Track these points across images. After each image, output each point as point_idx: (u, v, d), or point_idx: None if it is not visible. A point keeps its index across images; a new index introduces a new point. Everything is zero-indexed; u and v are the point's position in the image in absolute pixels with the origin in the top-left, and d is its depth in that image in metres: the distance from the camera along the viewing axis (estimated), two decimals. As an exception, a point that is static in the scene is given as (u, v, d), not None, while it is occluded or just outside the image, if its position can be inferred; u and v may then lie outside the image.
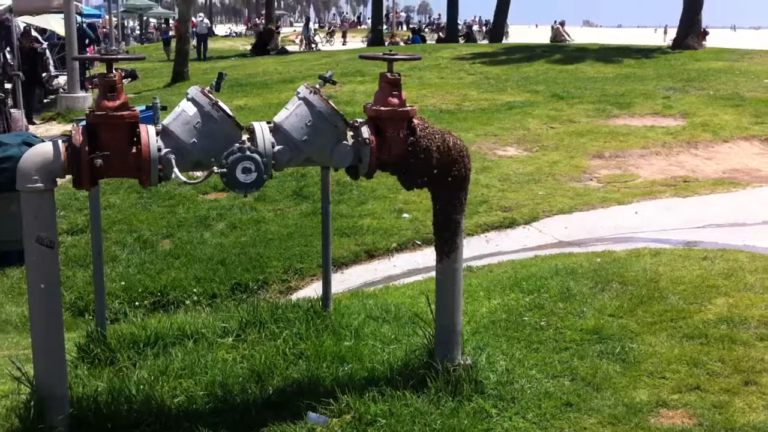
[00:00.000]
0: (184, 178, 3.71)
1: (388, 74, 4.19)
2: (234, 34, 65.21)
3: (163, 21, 53.47)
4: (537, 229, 8.21)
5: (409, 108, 4.17)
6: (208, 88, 3.95)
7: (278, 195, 9.98)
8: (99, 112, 3.67)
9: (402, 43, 35.39)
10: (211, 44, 36.56)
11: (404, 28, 59.31)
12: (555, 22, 35.34)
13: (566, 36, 32.96)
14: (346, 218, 8.99)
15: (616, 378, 4.61)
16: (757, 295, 5.60)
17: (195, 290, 7.53)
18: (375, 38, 34.23)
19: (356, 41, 45.09)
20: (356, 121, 4.17)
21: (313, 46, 37.98)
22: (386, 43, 34.26)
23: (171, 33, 39.47)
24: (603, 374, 4.64)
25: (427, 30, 43.63)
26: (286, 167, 4.12)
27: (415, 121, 4.23)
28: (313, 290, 7.46)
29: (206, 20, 39.92)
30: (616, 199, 8.82)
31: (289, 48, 37.28)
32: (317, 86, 4.11)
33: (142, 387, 4.25)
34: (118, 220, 9.26)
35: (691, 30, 21.20)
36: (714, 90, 14.40)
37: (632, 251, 6.86)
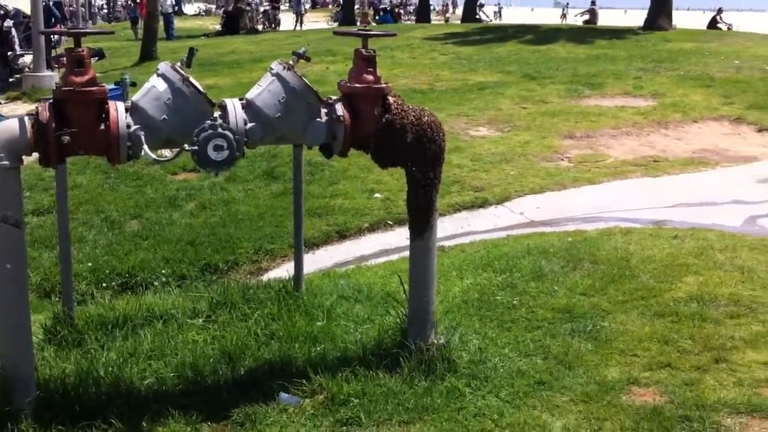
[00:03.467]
0: (153, 156, 3.63)
1: (363, 51, 4.14)
2: (203, 13, 64.46)
3: (130, -1, 52.67)
4: (509, 209, 8.22)
5: (384, 85, 4.13)
6: (178, 63, 3.87)
7: (249, 175, 9.88)
8: (66, 88, 3.58)
9: (374, 24, 35.18)
10: (180, 23, 36.14)
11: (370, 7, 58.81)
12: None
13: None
14: (318, 198, 8.93)
15: (587, 356, 4.62)
16: (727, 273, 5.64)
17: (164, 271, 7.43)
18: (346, 18, 33.99)
19: (319, 22, 44.31)
20: (330, 98, 4.11)
21: (274, 26, 37.27)
22: (358, 23, 34.02)
23: (142, 12, 38.97)
24: (575, 352, 4.65)
25: (400, 11, 43.39)
26: (259, 145, 4.06)
27: (390, 98, 4.18)
28: (284, 271, 7.39)
29: (171, -1, 39.33)
30: (588, 178, 8.85)
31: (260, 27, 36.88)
32: (291, 62, 4.04)
33: (110, 369, 4.18)
34: (84, 200, 9.11)
35: (662, 11, 21.29)
36: (684, 71, 14.49)
37: (603, 230, 6.90)
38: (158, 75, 3.78)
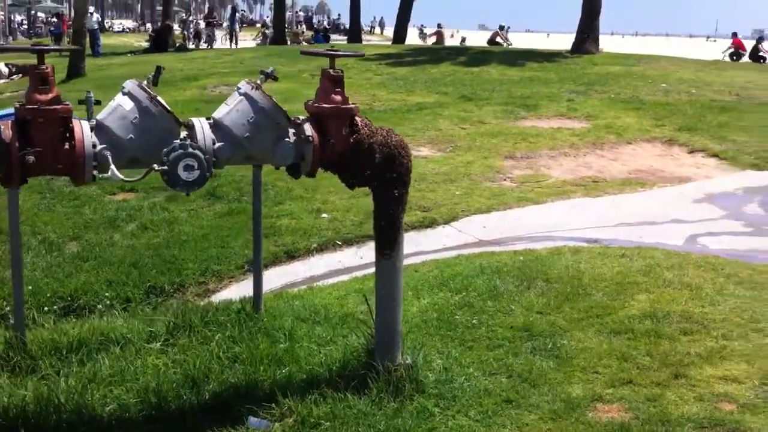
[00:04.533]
0: (121, 176, 3.54)
1: (331, 71, 4.13)
2: (127, 30, 63.48)
3: (52, 15, 51.54)
4: (456, 229, 8.27)
5: (352, 105, 4.13)
6: (145, 82, 3.79)
7: (191, 195, 9.69)
8: (30, 106, 3.47)
9: (305, 43, 35.19)
10: (105, 40, 35.43)
11: (303, 27, 58.92)
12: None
13: (503, 41, 33.75)
14: (264, 218, 8.68)
15: (550, 374, 4.67)
16: (676, 291, 5.80)
17: (107, 294, 7.22)
18: (277, 38, 33.86)
19: (246, 41, 43.93)
20: (298, 119, 4.08)
21: (209, 44, 36.91)
22: (289, 43, 33.95)
23: (64, 28, 38.09)
24: (538, 370, 4.70)
25: (327, 28, 43.51)
26: (226, 165, 4.00)
27: (357, 118, 4.18)
28: (232, 292, 7.28)
29: (96, 15, 38.62)
30: (531, 198, 8.99)
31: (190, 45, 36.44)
32: (258, 82, 4.01)
33: (71, 395, 4.04)
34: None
35: (588, 35, 21.89)
36: (615, 93, 14.90)
37: (553, 249, 7.00)
38: (124, 93, 3.70)
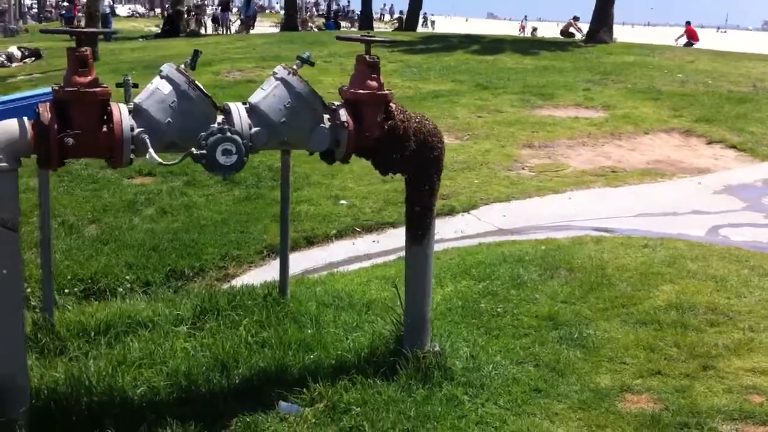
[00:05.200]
0: (159, 159, 3.54)
1: (367, 57, 4.12)
2: (137, 15, 63.43)
3: (63, -1, 51.53)
4: (476, 217, 8.26)
5: (387, 92, 4.11)
6: (182, 65, 3.78)
7: (208, 180, 9.70)
8: (70, 88, 3.46)
9: (316, 30, 35.10)
10: (115, 24, 35.41)
11: (314, 13, 58.75)
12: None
13: (576, 31, 31.07)
14: (282, 204, 8.83)
15: (578, 364, 4.67)
16: (701, 282, 5.78)
17: (127, 277, 7.23)
18: (288, 24, 33.78)
19: (264, 26, 44.06)
20: (333, 104, 4.07)
21: (225, 29, 36.88)
22: (299, 30, 33.87)
23: (75, 12, 38.06)
24: (565, 360, 4.70)
25: (339, 15, 43.40)
26: (262, 150, 3.99)
27: (392, 105, 4.16)
28: (252, 277, 7.29)
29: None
30: (551, 187, 8.96)
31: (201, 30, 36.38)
32: (295, 67, 4.00)
33: (102, 377, 4.05)
34: (39, 203, 8.81)
35: (603, 24, 21.78)
36: (631, 83, 14.83)
37: (575, 239, 6.99)
38: (162, 77, 3.69)
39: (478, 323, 5.23)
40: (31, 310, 5.53)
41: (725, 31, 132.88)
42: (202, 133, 3.59)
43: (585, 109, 12.95)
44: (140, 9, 72.18)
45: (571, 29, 31.26)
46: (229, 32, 33.81)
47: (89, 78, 3.49)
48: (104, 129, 3.53)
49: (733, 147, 10.99)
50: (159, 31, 32.22)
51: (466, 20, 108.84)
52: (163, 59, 20.21)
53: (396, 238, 7.99)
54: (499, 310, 5.42)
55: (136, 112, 3.60)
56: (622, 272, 6.02)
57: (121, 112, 3.55)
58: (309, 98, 3.89)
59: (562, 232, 7.34)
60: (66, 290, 6.97)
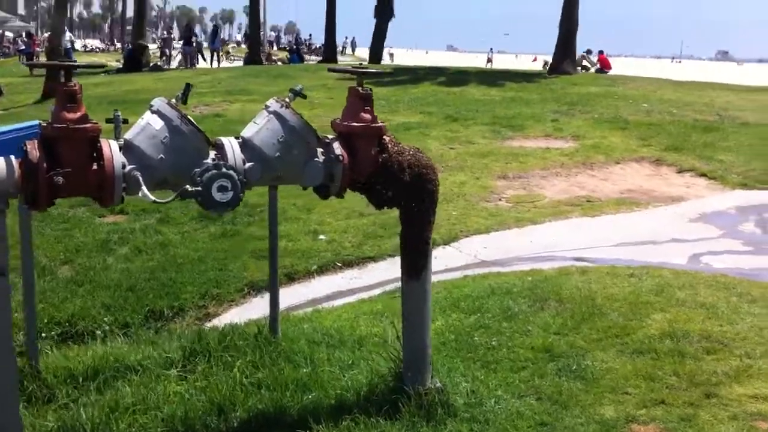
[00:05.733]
0: (152, 197, 3.43)
1: (360, 89, 4.08)
2: (96, 50, 63.09)
3: (20, 35, 51.07)
4: (457, 249, 8.21)
5: (381, 124, 4.07)
6: (173, 99, 3.69)
7: (183, 217, 9.55)
8: (59, 125, 3.34)
9: (279, 63, 35.12)
10: (78, 59, 35.03)
11: (274, 47, 58.82)
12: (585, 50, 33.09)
13: (589, 64, 30.66)
14: (261, 240, 8.67)
15: (580, 395, 4.60)
16: (692, 310, 5.76)
17: (105, 319, 7.04)
18: (252, 57, 33.75)
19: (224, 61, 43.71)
20: (327, 138, 4.01)
21: (190, 64, 36.61)
22: (264, 63, 33.86)
23: (34, 47, 37.63)
24: (567, 392, 4.63)
25: (304, 48, 43.56)
26: (255, 186, 3.90)
27: (386, 137, 4.11)
28: (233, 316, 7.15)
29: (69, 34, 38.32)
30: (529, 218, 8.96)
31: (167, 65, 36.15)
32: (287, 100, 3.93)
33: (96, 425, 3.88)
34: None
35: (566, 56, 22.12)
36: (598, 113, 15.00)
37: (560, 269, 6.96)
38: (153, 112, 3.59)
39: (474, 357, 5.15)
40: (20, 355, 5.33)
41: (680, 61, 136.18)
42: (197, 170, 3.49)
43: (555, 140, 13.05)
44: (98, 44, 71.78)
45: (585, 62, 30.64)
46: (194, 66, 33.64)
47: (79, 114, 3.38)
48: (94, 167, 3.41)
49: (704, 175, 11.12)
50: (120, 66, 31.92)
51: (427, 53, 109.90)
52: (129, 94, 20.08)
53: (378, 272, 7.92)
54: (493, 343, 5.35)
55: (127, 148, 3.50)
56: (612, 302, 5.99)
57: (111, 148, 3.44)
58: (303, 132, 3.82)
59: (546, 263, 7.31)
60: (43, 334, 6.75)
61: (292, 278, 7.96)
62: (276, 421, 4.14)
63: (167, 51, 36.68)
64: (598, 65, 30.27)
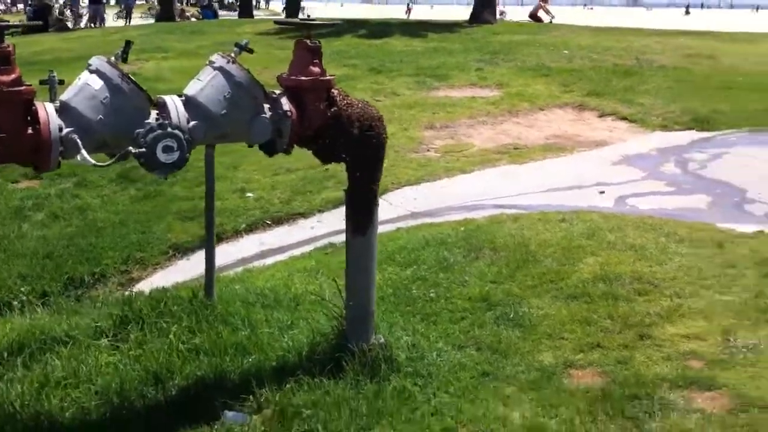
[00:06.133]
0: (92, 160, 3.26)
1: (308, 41, 3.94)
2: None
3: None
4: (388, 202, 8.15)
5: (330, 77, 3.96)
6: (112, 58, 3.49)
7: (101, 180, 9.25)
8: (-8, 88, 3.13)
9: (193, 19, 34.09)
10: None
11: (185, 3, 57.00)
12: None
13: (545, 15, 28.50)
14: (186, 200, 8.50)
15: (519, 343, 4.65)
16: (622, 253, 5.87)
17: (22, 289, 6.80)
18: (164, 14, 32.61)
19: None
20: (274, 93, 3.87)
21: (98, 23, 35.10)
22: (177, 19, 32.79)
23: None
24: (506, 341, 4.67)
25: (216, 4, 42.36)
26: (200, 145, 3.74)
27: (334, 90, 4.00)
28: (159, 279, 7.01)
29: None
30: (459, 168, 8.96)
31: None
32: (232, 55, 3.76)
33: (26, 401, 3.71)
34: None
35: (487, 5, 22.09)
36: (520, 62, 15.04)
37: (492, 218, 6.99)
38: (91, 71, 3.41)
39: (413, 310, 5.14)
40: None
41: (592, 8, 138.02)
42: (140, 130, 3.33)
43: (480, 89, 13.04)
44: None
45: (540, 13, 29.06)
46: (103, 25, 32.33)
47: (13, 76, 3.20)
48: (29, 131, 3.22)
49: (625, 119, 11.29)
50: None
51: (342, 5, 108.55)
52: (35, 55, 19.16)
53: (308, 229, 7.81)
54: (432, 295, 5.34)
55: (64, 110, 3.32)
56: (545, 248, 6.05)
57: (47, 111, 3.25)
58: (250, 87, 3.69)
59: (477, 212, 7.33)
60: (-46, 308, 6.47)
61: (220, 238, 7.73)
62: (216, 387, 4.07)
63: (74, 10, 35.14)
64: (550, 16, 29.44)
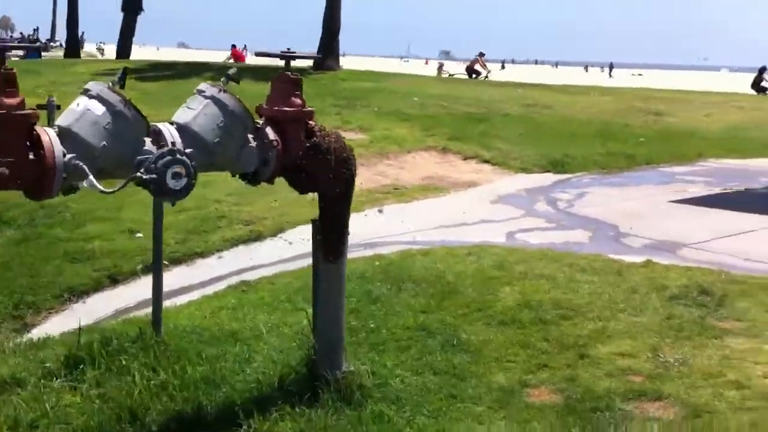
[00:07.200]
0: (100, 186, 3.18)
1: (290, 74, 4.03)
2: None
3: None
4: (286, 241, 8.21)
5: (311, 109, 4.06)
6: (110, 83, 3.42)
7: (-31, 222, 8.66)
8: (-2, 111, 3.00)
9: (16, 58, 32.32)
10: None
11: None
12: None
13: (482, 69, 29.69)
14: (70, 242, 8.16)
15: (471, 367, 4.86)
16: (535, 282, 6.26)
17: None
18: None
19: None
20: (257, 123, 3.92)
21: None
22: None
23: None
24: (459, 365, 4.86)
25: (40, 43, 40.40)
26: (191, 173, 3.71)
27: (311, 122, 4.10)
28: (57, 325, 6.67)
29: None
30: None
31: None
32: (221, 85, 3.79)
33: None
34: None
35: (330, 53, 22.64)
36: (377, 107, 15.54)
37: (402, 252, 7.22)
38: (91, 96, 3.32)
39: (358, 340, 5.23)
40: None
41: (408, 60, 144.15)
42: (151, 156, 3.29)
43: (346, 132, 13.25)
44: None
45: (477, 66, 29.91)
46: None
47: (18, 99, 3.06)
48: (31, 156, 3.10)
49: (487, 162, 11.98)
50: None
51: (158, 49, 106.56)
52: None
53: (208, 267, 7.71)
54: (371, 325, 5.47)
55: (66, 136, 3.22)
56: (463, 279, 6.35)
57: (50, 136, 3.14)
58: (242, 117, 3.73)
59: (383, 248, 7.54)
60: None
61: (116, 280, 7.56)
62: (195, 422, 3.98)
63: None
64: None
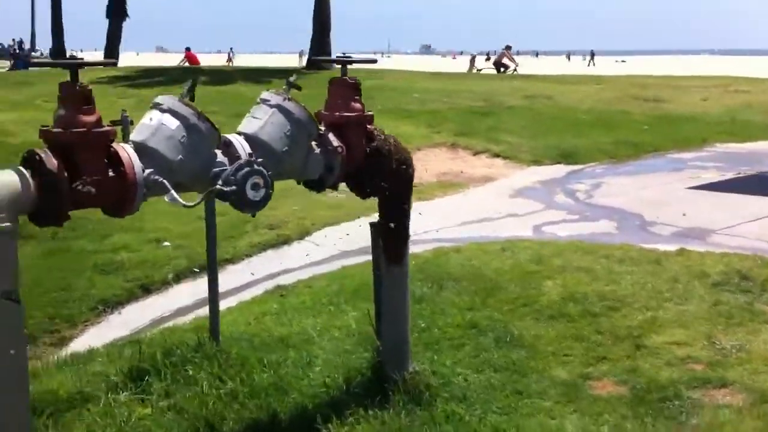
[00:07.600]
0: (182, 201, 3.17)
1: (348, 78, 4.01)
2: None
3: None
4: (314, 243, 8.21)
5: (370, 113, 4.05)
6: (179, 96, 3.41)
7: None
8: (77, 129, 2.97)
9: (4, 69, 32.21)
10: None
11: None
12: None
13: (510, 63, 29.04)
14: (98, 254, 8.09)
15: (530, 363, 4.86)
16: (575, 275, 6.28)
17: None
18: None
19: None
20: (320, 129, 3.91)
21: None
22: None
23: None
24: (518, 361, 4.87)
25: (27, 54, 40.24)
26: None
27: (369, 126, 4.10)
28: (93, 337, 6.61)
29: None
30: (371, 207, 9.08)
31: None
32: (285, 93, 3.78)
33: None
34: None
35: (322, 52, 22.58)
36: (380, 105, 15.50)
37: (435, 251, 7.22)
38: (163, 111, 3.30)
39: (412, 341, 5.22)
40: None
41: (389, 56, 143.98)
42: (228, 168, 3.28)
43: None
44: None
45: (505, 59, 29.51)
46: None
47: (96, 116, 3.04)
48: (110, 173, 3.08)
49: (498, 156, 12.02)
50: None
51: (137, 54, 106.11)
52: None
53: (240, 274, 7.68)
54: (422, 325, 5.46)
55: (143, 151, 3.20)
56: (502, 275, 6.36)
57: (129, 153, 3.12)
58: (308, 124, 3.72)
59: (414, 247, 7.45)
60: None
61: (148, 290, 7.49)
62: (270, 428, 3.97)
63: None
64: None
